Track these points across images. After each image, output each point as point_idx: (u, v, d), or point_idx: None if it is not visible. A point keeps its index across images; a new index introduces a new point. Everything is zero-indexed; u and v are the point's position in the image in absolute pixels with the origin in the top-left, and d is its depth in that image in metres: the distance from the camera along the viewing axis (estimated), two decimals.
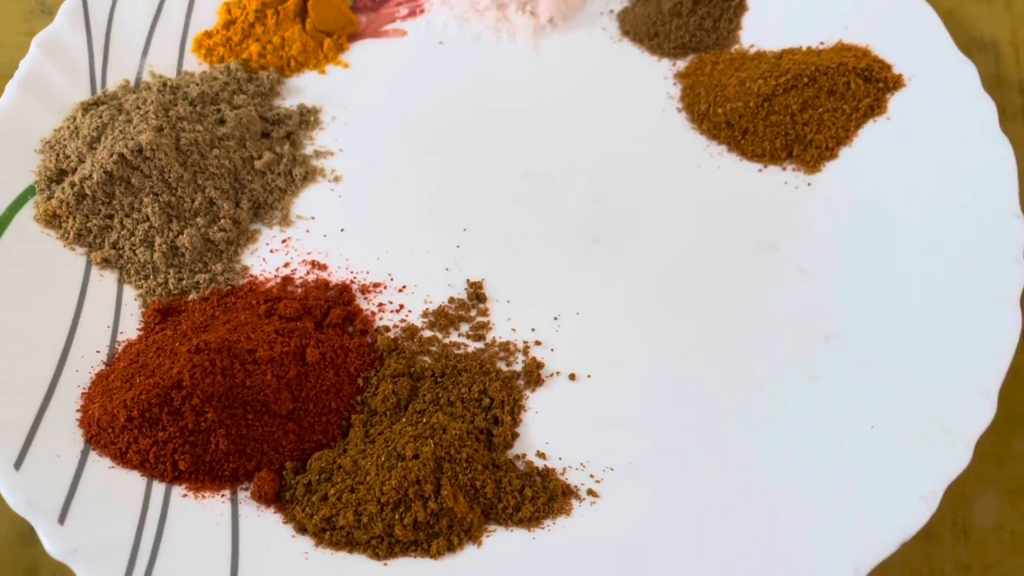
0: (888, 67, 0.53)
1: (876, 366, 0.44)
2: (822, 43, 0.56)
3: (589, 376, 0.46)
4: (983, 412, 0.41)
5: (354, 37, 0.59)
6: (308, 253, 0.50)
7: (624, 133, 0.55)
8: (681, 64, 0.57)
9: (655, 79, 0.57)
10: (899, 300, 0.46)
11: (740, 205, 0.51)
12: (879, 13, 0.55)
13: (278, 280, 0.49)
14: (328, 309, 0.48)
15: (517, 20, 0.59)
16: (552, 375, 0.46)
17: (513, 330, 0.48)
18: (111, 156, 0.48)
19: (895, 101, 0.53)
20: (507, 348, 0.47)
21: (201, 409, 0.41)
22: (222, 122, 0.53)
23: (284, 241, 0.51)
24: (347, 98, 0.57)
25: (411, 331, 0.48)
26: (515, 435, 0.44)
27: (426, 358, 0.47)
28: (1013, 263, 0.45)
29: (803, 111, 0.52)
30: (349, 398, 0.45)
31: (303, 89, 0.57)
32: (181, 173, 0.49)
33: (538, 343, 0.47)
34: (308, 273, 0.50)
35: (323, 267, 0.50)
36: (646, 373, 0.46)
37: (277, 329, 0.46)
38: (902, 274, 0.47)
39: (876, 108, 0.53)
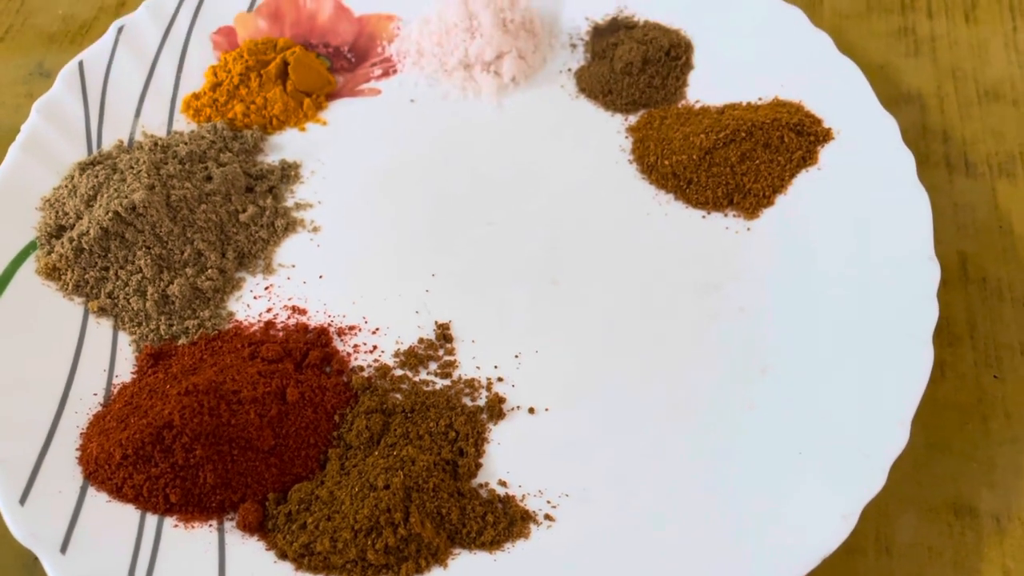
0: (818, 121, 0.59)
1: (805, 396, 0.49)
2: (760, 99, 0.61)
3: (547, 409, 0.50)
4: (897, 438, 0.45)
5: (332, 96, 0.64)
6: (289, 299, 0.54)
7: (580, 183, 0.60)
8: (632, 119, 0.62)
9: (609, 133, 0.62)
10: (826, 336, 0.51)
11: (686, 249, 0.56)
12: (812, 72, 0.61)
13: (261, 325, 0.53)
14: (307, 351, 0.52)
15: (482, 80, 0.64)
16: (513, 409, 0.50)
17: (478, 368, 0.52)
18: (107, 213, 0.52)
19: (825, 153, 0.58)
20: (472, 385, 0.51)
21: (190, 446, 0.45)
22: (209, 178, 0.57)
23: (267, 288, 0.55)
24: (325, 154, 0.61)
25: (383, 370, 0.52)
26: (478, 465, 0.48)
27: (397, 395, 0.51)
28: (926, 303, 0.50)
29: (741, 163, 0.57)
30: (326, 433, 0.49)
31: (284, 146, 0.62)
32: (171, 227, 0.54)
33: (500, 380, 0.51)
34: (289, 318, 0.54)
35: (303, 312, 0.54)
36: (599, 405, 0.50)
37: (260, 371, 0.50)
38: (829, 312, 0.52)
39: (808, 159, 0.58)
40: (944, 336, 0.54)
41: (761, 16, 0.63)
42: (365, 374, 0.51)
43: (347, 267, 0.56)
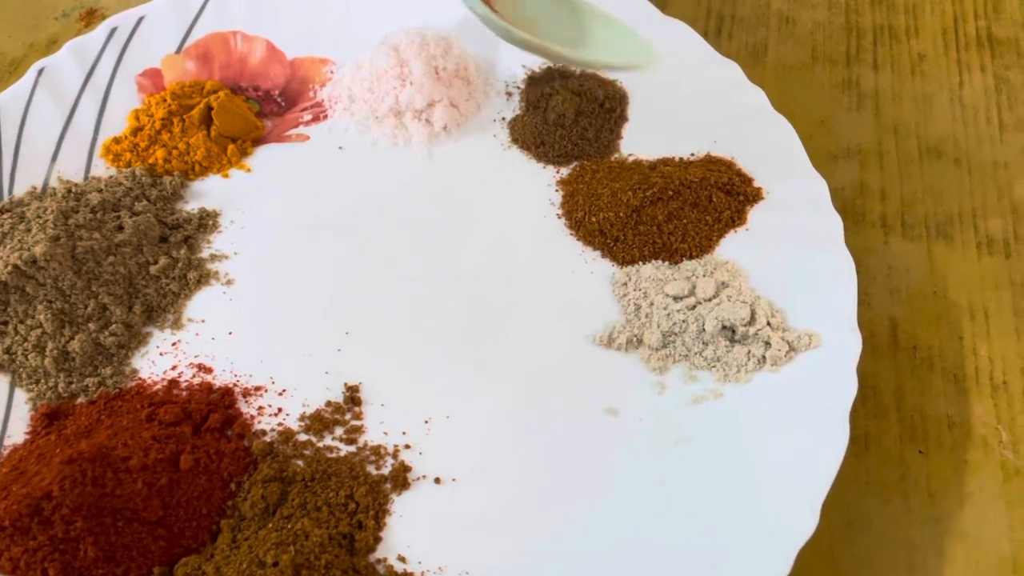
0: (748, 181, 0.57)
1: (717, 472, 0.47)
2: (693, 154, 0.60)
3: (454, 479, 0.48)
4: (805, 523, 0.43)
5: (259, 141, 0.62)
6: (196, 356, 0.53)
7: (506, 238, 0.58)
8: (564, 171, 0.61)
9: (540, 185, 0.61)
10: (742, 407, 0.49)
11: (607, 310, 0.54)
12: (745, 128, 0.59)
13: (165, 383, 0.52)
14: (208, 413, 0.50)
15: (413, 128, 0.62)
16: (419, 479, 0.48)
17: (385, 433, 0.50)
18: (6, 267, 0.51)
19: (754, 213, 0.56)
20: (378, 452, 0.50)
21: (71, 519, 0.43)
22: (121, 228, 0.55)
23: (174, 344, 0.53)
24: (247, 202, 0.60)
25: (287, 435, 0.50)
26: (378, 539, 0.47)
27: (299, 462, 0.49)
28: (845, 377, 0.48)
29: (669, 222, 0.56)
30: (220, 503, 0.47)
31: (206, 193, 0.60)
32: (75, 281, 0.52)
33: (408, 447, 0.50)
34: (194, 376, 0.52)
35: (208, 370, 0.52)
36: (507, 477, 0.48)
37: (155, 435, 0.48)
38: (748, 381, 0.50)
39: (736, 220, 0.56)
40: (870, 407, 0.53)
41: (698, 69, 0.62)
42: (267, 439, 0.50)
43: (258, 323, 0.54)
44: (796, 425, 0.47)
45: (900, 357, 0.55)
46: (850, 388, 0.48)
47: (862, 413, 0.52)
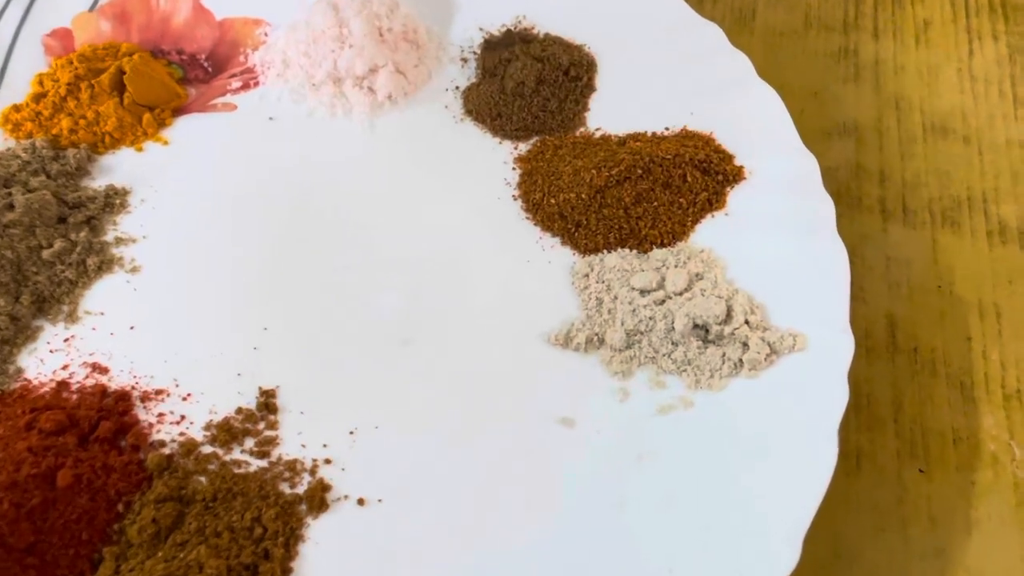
0: (728, 158, 0.50)
1: (682, 497, 0.40)
2: (667, 128, 0.53)
3: (380, 501, 0.42)
4: (783, 560, 0.37)
5: (179, 111, 0.55)
6: (91, 354, 0.46)
7: (455, 222, 0.51)
8: (523, 147, 0.54)
9: (495, 163, 0.54)
10: (715, 419, 0.43)
11: (566, 306, 0.48)
12: (727, 99, 0.52)
13: (53, 385, 0.45)
14: (98, 421, 0.44)
15: (354, 96, 0.55)
16: (339, 499, 0.42)
17: (303, 446, 0.44)
18: None
19: (734, 195, 0.49)
20: (293, 467, 0.43)
21: None
22: (11, 207, 0.49)
23: (67, 340, 0.46)
24: (161, 178, 0.53)
25: (189, 447, 0.43)
26: (287, 571, 0.40)
27: (201, 478, 0.42)
28: (834, 386, 0.41)
29: (637, 204, 0.49)
30: (104, 527, 0.41)
31: (115, 168, 0.53)
32: None
33: (328, 461, 0.43)
34: (87, 377, 0.45)
35: (104, 370, 0.46)
36: (444, 499, 0.42)
37: (32, 447, 0.41)
38: (722, 388, 0.44)
39: (714, 202, 0.49)
40: (863, 418, 0.46)
41: (675, 33, 0.55)
42: (166, 451, 0.43)
43: (164, 317, 0.47)
44: (777, 440, 0.41)
45: (899, 361, 0.48)
46: (840, 398, 0.41)
47: (854, 425, 0.46)
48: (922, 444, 0.45)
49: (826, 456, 0.40)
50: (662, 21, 0.56)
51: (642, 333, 0.46)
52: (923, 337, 0.49)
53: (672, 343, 0.45)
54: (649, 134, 0.53)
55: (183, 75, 0.57)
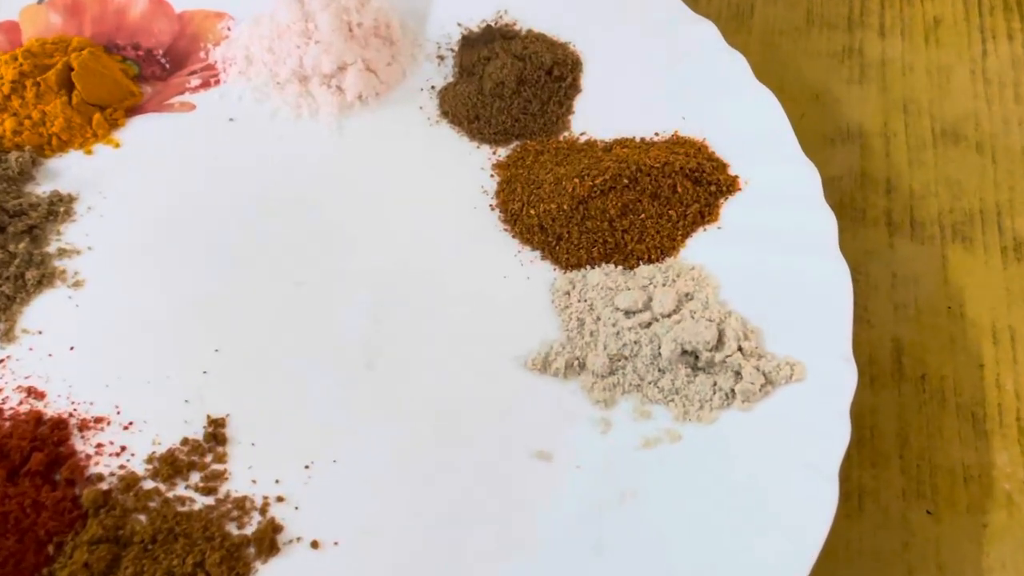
0: (723, 167, 0.47)
1: (667, 540, 0.37)
2: (658, 134, 0.49)
3: (336, 544, 0.38)
4: None
5: (133, 111, 0.52)
6: (26, 377, 0.42)
7: (427, 234, 0.47)
8: (503, 152, 0.50)
9: (471, 169, 0.50)
10: (703, 456, 0.39)
11: (547, 323, 0.44)
12: (721, 103, 0.49)
13: None
14: (30, 452, 0.40)
15: (321, 96, 0.51)
16: (291, 541, 0.38)
17: (253, 482, 0.40)
18: None
19: (728, 208, 0.46)
20: (242, 505, 0.39)
21: None
22: None
23: (1, 361, 0.43)
24: (111, 184, 0.49)
25: (129, 481, 0.40)
26: None
27: (141, 517, 0.39)
28: (836, 421, 0.38)
29: (623, 217, 0.45)
30: (32, 572, 0.37)
31: (62, 172, 0.49)
32: None
33: (280, 499, 0.39)
34: (21, 403, 0.41)
35: (40, 395, 0.42)
36: (406, 541, 0.38)
37: None
38: (713, 421, 0.40)
39: (706, 215, 0.46)
40: (867, 453, 0.42)
41: (666, 31, 0.51)
42: (104, 486, 0.39)
43: (108, 337, 0.43)
44: (772, 480, 0.37)
45: (905, 389, 0.44)
46: (842, 435, 0.38)
47: (856, 461, 0.42)
48: (930, 482, 0.42)
49: (826, 498, 0.36)
50: (653, 18, 0.52)
51: (626, 358, 0.42)
52: (932, 363, 0.45)
53: (659, 370, 0.41)
54: (637, 140, 0.49)
55: (139, 72, 0.53)
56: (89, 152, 0.50)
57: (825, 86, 0.56)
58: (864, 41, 0.58)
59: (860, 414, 0.43)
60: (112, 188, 0.49)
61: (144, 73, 0.53)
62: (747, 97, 0.48)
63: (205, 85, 0.53)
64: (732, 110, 0.48)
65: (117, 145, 0.51)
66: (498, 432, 0.41)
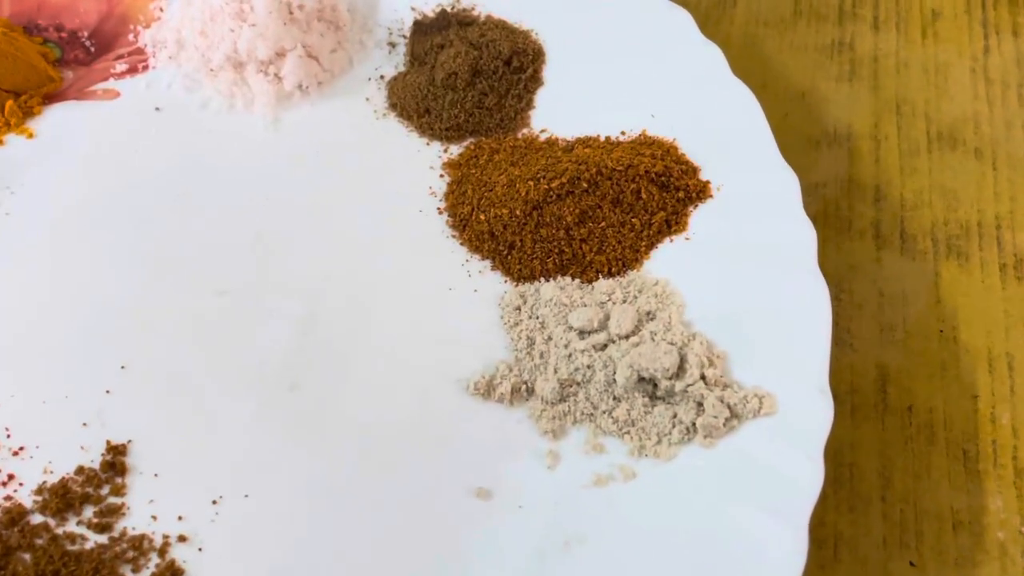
0: (693, 172, 0.42)
1: None
2: (624, 132, 0.45)
3: None
4: None
5: (52, 98, 0.47)
6: None
7: (365, 240, 0.43)
8: (455, 150, 0.46)
9: (420, 168, 0.45)
10: (660, 499, 0.35)
11: (494, 341, 0.40)
12: (695, 99, 0.44)
13: None
14: None
15: (257, 85, 0.47)
16: None
17: (153, 518, 0.35)
18: None
19: (697, 216, 0.41)
20: (139, 545, 0.35)
21: None
22: None
23: None
24: (21, 179, 0.44)
25: (15, 515, 0.35)
26: None
27: (26, 556, 0.34)
28: (807, 464, 0.33)
29: (580, 224, 0.41)
30: None
31: None
32: None
33: (182, 539, 0.35)
34: None
35: None
36: None
37: None
38: (671, 457, 0.36)
39: (673, 224, 0.41)
40: (844, 495, 0.38)
41: (637, 20, 0.47)
42: None
43: (2, 350, 0.39)
44: (735, 525, 0.33)
45: (890, 423, 0.40)
46: (814, 478, 0.33)
47: (833, 504, 0.38)
48: (914, 529, 0.37)
49: (795, 548, 0.32)
50: (622, 5, 0.48)
51: (578, 384, 0.38)
52: (920, 394, 0.41)
53: (614, 398, 0.37)
54: (602, 139, 0.45)
55: (60, 56, 0.49)
56: (0, 143, 0.46)
57: (812, 83, 0.51)
58: (856, 35, 0.53)
59: (838, 450, 0.39)
60: (22, 183, 0.44)
61: (66, 57, 0.49)
62: (721, 94, 0.43)
63: (132, 71, 0.49)
64: (706, 108, 0.44)
65: (31, 135, 0.46)
66: (433, 467, 0.37)
